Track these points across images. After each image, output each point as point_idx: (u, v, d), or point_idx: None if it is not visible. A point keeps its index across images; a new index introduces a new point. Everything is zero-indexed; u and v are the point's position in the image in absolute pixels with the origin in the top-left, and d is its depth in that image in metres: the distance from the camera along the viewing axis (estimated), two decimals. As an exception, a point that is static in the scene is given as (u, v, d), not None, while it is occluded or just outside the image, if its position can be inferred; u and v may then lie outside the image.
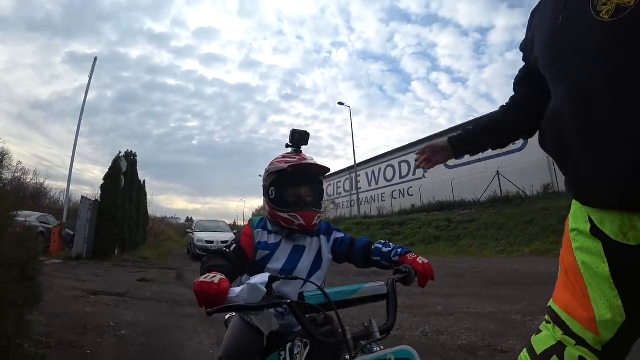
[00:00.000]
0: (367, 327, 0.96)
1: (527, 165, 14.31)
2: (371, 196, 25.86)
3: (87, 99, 15.46)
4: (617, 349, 0.85)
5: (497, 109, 1.34)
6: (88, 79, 15.25)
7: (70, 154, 14.48)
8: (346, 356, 0.88)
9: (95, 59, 15.74)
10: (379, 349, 0.89)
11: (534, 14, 1.10)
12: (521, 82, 1.24)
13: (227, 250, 1.24)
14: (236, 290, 0.92)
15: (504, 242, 11.01)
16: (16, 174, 23.06)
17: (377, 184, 25.87)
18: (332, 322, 0.99)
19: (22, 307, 2.73)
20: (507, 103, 1.31)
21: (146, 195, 17.94)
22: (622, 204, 0.79)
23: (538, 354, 0.92)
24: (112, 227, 11.98)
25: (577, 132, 0.85)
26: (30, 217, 11.65)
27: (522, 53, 1.20)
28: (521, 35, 1.17)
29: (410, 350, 0.88)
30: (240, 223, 49.28)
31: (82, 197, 12.50)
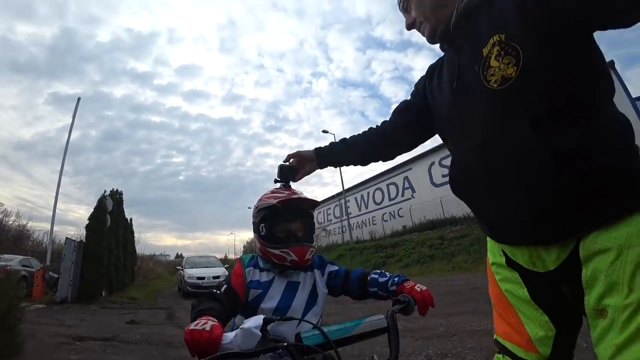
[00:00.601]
0: None
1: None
2: (362, 220, 25.86)
3: (71, 138, 15.30)
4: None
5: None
6: (71, 119, 15.18)
7: (54, 194, 14.15)
8: None
9: (79, 99, 15.68)
10: None
11: (432, 70, 1.25)
12: (403, 111, 1.38)
13: (218, 291, 1.19)
14: (229, 335, 0.86)
15: (498, 256, 11.05)
16: None
17: (367, 207, 25.97)
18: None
19: (2, 358, 2.56)
20: (377, 126, 1.45)
21: (133, 233, 17.47)
22: (528, 240, 0.93)
23: None
24: (98, 268, 11.56)
25: (484, 183, 0.97)
26: (11, 260, 11.30)
27: (414, 89, 1.35)
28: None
29: None
30: (231, 257, 48.25)
31: (67, 238, 12.11)
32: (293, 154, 1.51)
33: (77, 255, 11.19)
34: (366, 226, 24.82)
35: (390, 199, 23.64)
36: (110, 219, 12.94)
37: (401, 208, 22.07)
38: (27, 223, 24.80)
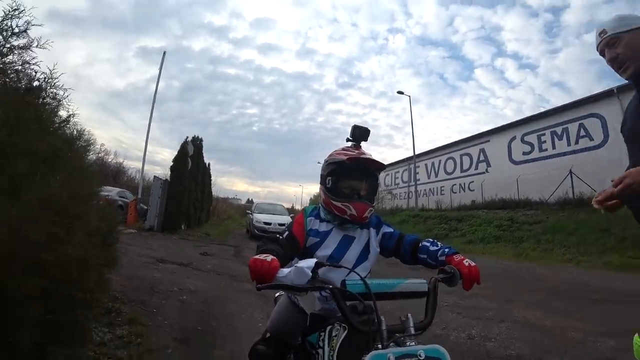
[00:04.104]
0: (403, 322, 0.99)
1: (606, 165, 12.06)
2: (430, 189, 24.84)
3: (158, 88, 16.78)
4: None
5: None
6: (158, 71, 16.57)
7: (144, 137, 15.91)
8: (378, 345, 0.92)
9: (164, 53, 16.99)
10: (412, 344, 0.92)
11: (627, 106, 1.49)
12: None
13: (280, 237, 1.34)
14: (285, 271, 1.01)
15: (573, 250, 10.00)
16: (99, 155, 26.30)
17: (436, 176, 24.75)
18: (372, 312, 1.02)
19: (104, 267, 3.15)
20: None
21: (210, 177, 19.07)
22: None
23: None
24: (179, 204, 13.07)
25: None
26: (111, 192, 13.19)
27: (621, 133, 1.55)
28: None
29: (441, 349, 0.90)
30: (297, 207, 50.31)
31: (155, 177, 13.78)
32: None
33: (162, 191, 12.70)
34: (433, 195, 23.86)
35: (462, 170, 22.18)
36: (190, 163, 14.27)
37: (472, 181, 20.69)
38: (122, 161, 28.87)
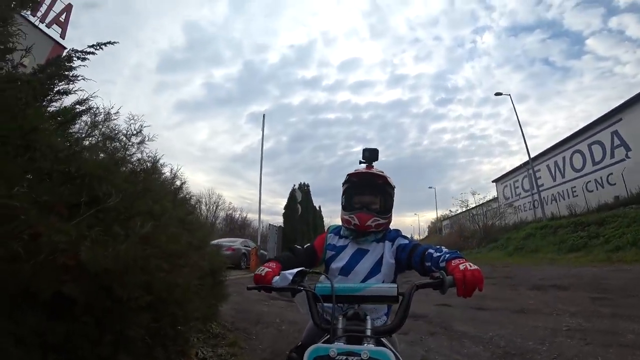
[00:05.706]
0: (362, 323, 1.08)
1: None
2: (558, 192, 21.52)
3: (268, 146, 19.32)
4: None
5: None
6: (261, 132, 19.15)
7: (262, 191, 18.11)
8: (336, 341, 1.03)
9: (264, 115, 19.77)
10: (369, 345, 0.99)
11: None
12: None
13: (298, 247, 1.61)
14: (276, 278, 1.21)
15: None
16: (228, 212, 30.80)
17: (563, 176, 21.33)
18: (359, 317, 1.13)
19: (214, 299, 3.85)
20: None
21: (322, 218, 20.34)
22: None
23: None
24: (293, 247, 14.27)
25: None
26: (235, 242, 15.06)
27: None
28: None
29: (389, 354, 0.93)
30: (416, 237, 48.59)
31: (270, 224, 15.49)
32: None
33: (278, 237, 14.10)
34: (563, 199, 20.63)
35: (594, 163, 18.50)
36: (300, 208, 15.63)
37: (611, 173, 17.04)
38: (246, 215, 33.16)
